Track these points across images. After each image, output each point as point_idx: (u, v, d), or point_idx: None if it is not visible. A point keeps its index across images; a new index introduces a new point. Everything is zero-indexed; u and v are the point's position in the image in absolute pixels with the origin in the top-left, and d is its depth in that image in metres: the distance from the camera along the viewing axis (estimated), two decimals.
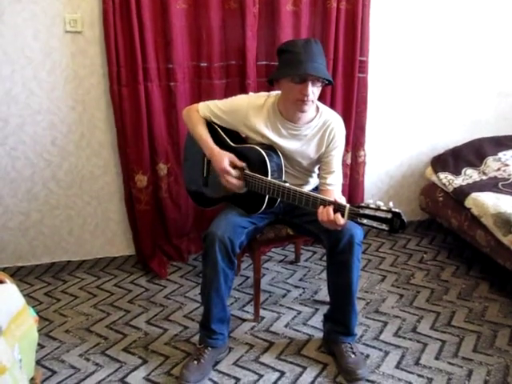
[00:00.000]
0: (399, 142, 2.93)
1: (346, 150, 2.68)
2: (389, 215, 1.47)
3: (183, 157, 2.26)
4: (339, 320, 1.90)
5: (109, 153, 2.53)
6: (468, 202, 2.42)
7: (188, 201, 2.62)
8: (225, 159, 1.86)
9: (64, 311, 2.27)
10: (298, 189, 1.74)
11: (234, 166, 1.88)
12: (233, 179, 1.87)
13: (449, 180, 2.65)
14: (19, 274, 2.57)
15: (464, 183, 2.59)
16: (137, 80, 2.31)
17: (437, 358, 1.90)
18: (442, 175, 2.71)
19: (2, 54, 2.25)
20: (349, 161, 2.73)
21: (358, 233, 1.78)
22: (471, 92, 2.95)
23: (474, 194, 2.41)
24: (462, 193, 2.49)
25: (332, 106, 2.53)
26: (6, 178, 2.44)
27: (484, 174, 2.67)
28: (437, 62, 2.83)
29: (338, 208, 1.58)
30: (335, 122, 1.92)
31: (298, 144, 1.91)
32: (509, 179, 2.54)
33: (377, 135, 2.85)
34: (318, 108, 1.92)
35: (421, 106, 2.89)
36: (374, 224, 1.49)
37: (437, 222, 2.87)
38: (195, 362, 1.83)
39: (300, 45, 1.74)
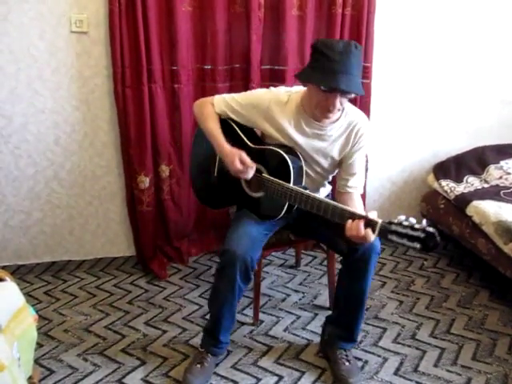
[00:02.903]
0: (402, 148, 2.93)
1: None
2: (422, 235, 1.36)
3: (191, 152, 2.16)
4: (344, 325, 1.88)
5: (111, 153, 2.53)
6: (469, 210, 2.42)
7: (189, 203, 2.62)
8: (236, 160, 1.74)
9: (63, 311, 2.27)
10: (323, 199, 1.62)
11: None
12: (247, 175, 1.76)
13: (450, 187, 2.65)
14: (19, 273, 2.57)
15: (466, 191, 2.59)
16: (141, 81, 2.32)
17: (436, 366, 1.90)
18: (443, 182, 2.71)
19: (8, 53, 2.26)
20: None
21: (377, 242, 1.72)
22: (474, 99, 2.95)
23: (476, 202, 2.41)
24: (464, 200, 2.49)
25: None
26: (9, 177, 2.44)
27: (486, 182, 2.68)
28: (440, 69, 2.83)
29: (369, 223, 1.47)
30: (361, 121, 1.80)
31: (322, 144, 1.79)
32: (510, 188, 2.54)
33: (379, 141, 2.85)
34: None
35: (424, 112, 2.89)
36: (405, 242, 1.38)
37: (438, 228, 2.85)
38: (198, 365, 1.81)
39: (337, 51, 1.55)
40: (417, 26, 2.72)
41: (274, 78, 2.49)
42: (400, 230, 1.39)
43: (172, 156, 2.52)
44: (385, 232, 1.43)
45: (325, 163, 1.84)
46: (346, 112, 1.78)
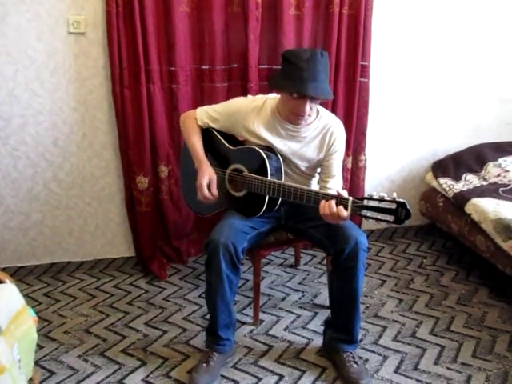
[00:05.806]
0: (400, 146, 2.94)
1: (347, 155, 2.69)
2: (393, 205, 1.45)
3: (180, 171, 2.29)
4: (342, 327, 1.88)
5: (110, 154, 2.53)
6: (468, 208, 2.42)
7: None
8: (205, 177, 1.87)
9: (63, 312, 2.27)
10: (298, 186, 1.73)
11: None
12: (207, 194, 1.88)
13: (449, 185, 2.65)
14: (19, 274, 2.57)
15: (464, 188, 2.59)
16: (139, 82, 2.32)
17: (436, 363, 1.90)
18: (442, 180, 2.71)
19: (6, 55, 2.26)
20: (349, 165, 2.73)
21: (363, 239, 1.76)
22: (472, 97, 2.95)
23: (475, 200, 2.42)
24: (463, 198, 2.50)
25: (333, 110, 2.54)
26: (8, 178, 2.44)
27: (484, 179, 2.68)
28: (438, 68, 2.84)
29: (341, 201, 1.56)
30: (335, 125, 1.90)
31: (296, 146, 1.89)
32: (509, 185, 2.54)
33: (378, 140, 2.86)
34: (317, 111, 1.90)
35: (422, 110, 2.90)
36: (379, 216, 1.47)
37: (437, 227, 2.87)
38: (204, 364, 1.82)
39: (305, 58, 1.66)
40: (414, 24, 2.72)
41: (272, 77, 2.49)
42: (371, 204, 1.48)
43: (171, 156, 2.52)
44: (357, 208, 1.52)
45: (302, 166, 1.94)
46: (320, 115, 1.90)
